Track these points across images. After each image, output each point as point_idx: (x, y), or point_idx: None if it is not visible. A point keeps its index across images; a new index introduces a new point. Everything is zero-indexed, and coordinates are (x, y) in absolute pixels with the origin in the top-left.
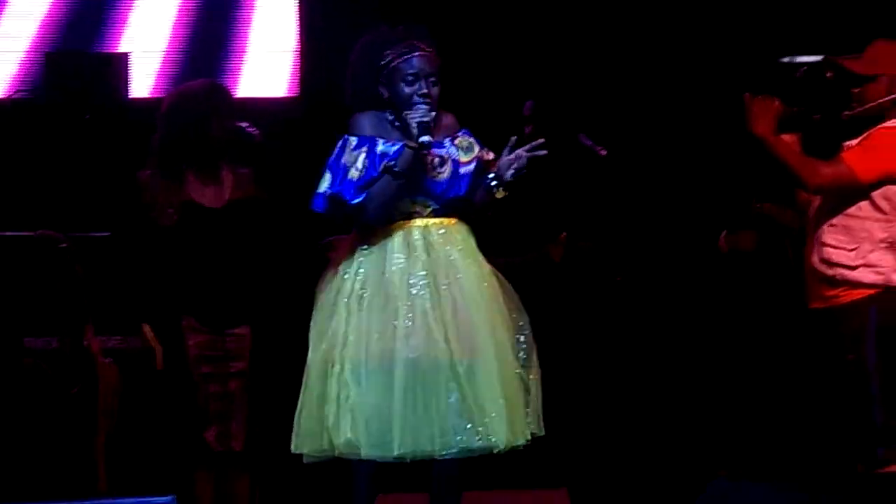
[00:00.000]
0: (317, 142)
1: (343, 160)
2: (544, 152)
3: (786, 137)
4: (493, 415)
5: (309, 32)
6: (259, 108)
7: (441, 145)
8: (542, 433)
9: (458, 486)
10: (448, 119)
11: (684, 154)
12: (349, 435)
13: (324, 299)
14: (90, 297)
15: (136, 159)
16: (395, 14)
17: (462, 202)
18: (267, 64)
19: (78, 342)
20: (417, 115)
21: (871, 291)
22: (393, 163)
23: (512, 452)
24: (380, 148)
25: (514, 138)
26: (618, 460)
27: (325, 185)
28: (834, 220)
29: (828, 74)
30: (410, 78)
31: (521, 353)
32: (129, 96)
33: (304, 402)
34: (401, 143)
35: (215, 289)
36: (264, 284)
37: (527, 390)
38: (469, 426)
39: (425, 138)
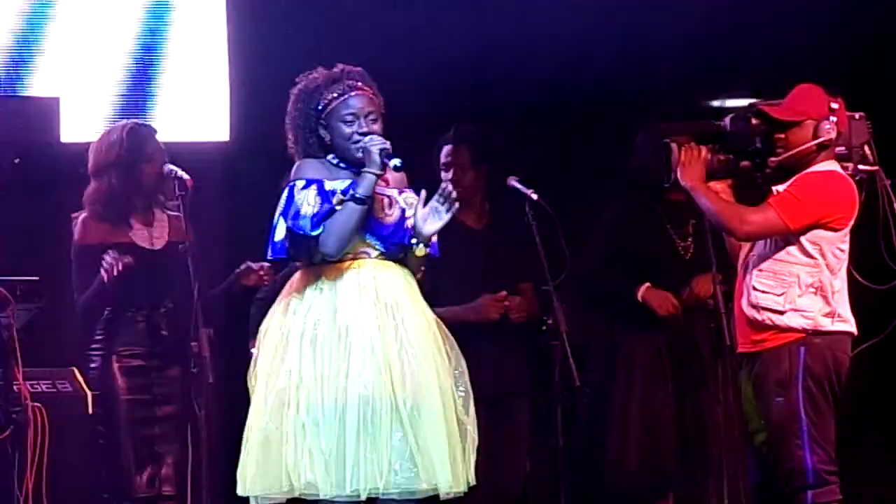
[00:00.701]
0: (248, 186)
1: (294, 200)
2: (455, 199)
3: (715, 185)
4: (437, 458)
5: (240, 76)
6: (191, 151)
7: (389, 192)
8: (474, 483)
9: None
10: (399, 174)
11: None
12: (309, 477)
13: (272, 339)
14: (19, 341)
15: (67, 203)
16: (327, 57)
17: (404, 251)
18: (199, 108)
19: (7, 386)
20: (376, 143)
21: (799, 336)
22: (353, 191)
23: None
24: (328, 186)
25: (423, 192)
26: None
27: (280, 230)
28: (763, 265)
29: (753, 121)
30: (349, 118)
31: (460, 402)
32: (60, 140)
33: (252, 443)
34: (351, 181)
35: (150, 330)
36: (194, 327)
37: (465, 438)
38: (412, 467)
39: (396, 161)
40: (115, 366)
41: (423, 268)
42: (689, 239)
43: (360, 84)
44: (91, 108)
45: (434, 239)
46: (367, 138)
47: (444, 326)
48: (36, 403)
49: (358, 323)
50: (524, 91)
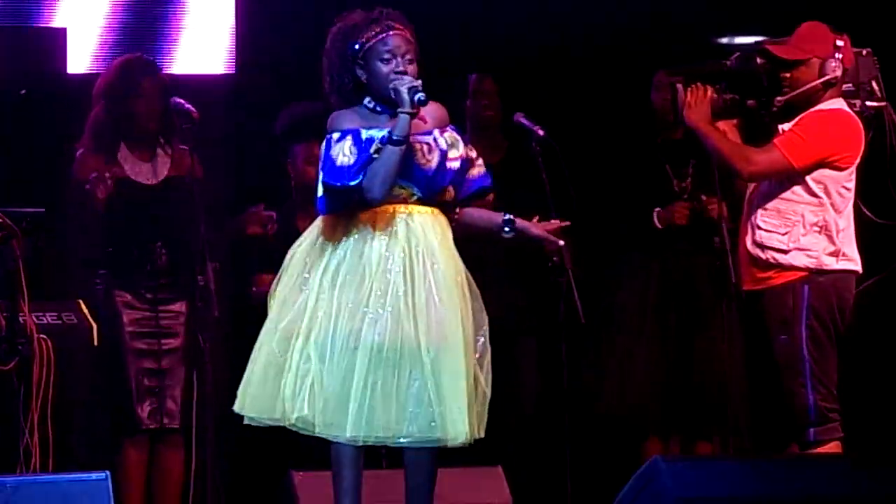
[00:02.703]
0: (253, 119)
1: (329, 154)
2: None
3: (721, 125)
4: (456, 408)
5: (246, 8)
6: (196, 84)
7: (429, 133)
8: (482, 436)
9: (433, 474)
10: (439, 111)
11: (618, 136)
12: (305, 411)
13: (294, 270)
14: (25, 273)
15: (73, 135)
16: None
17: (443, 194)
18: (204, 40)
19: (13, 318)
20: (405, 81)
21: (803, 274)
22: (390, 134)
23: None
24: (365, 134)
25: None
26: (553, 438)
27: (320, 185)
28: (767, 204)
29: (758, 60)
30: (387, 56)
31: (477, 354)
32: (67, 71)
33: (257, 365)
34: (387, 129)
35: (150, 265)
36: (199, 261)
37: (480, 391)
38: (428, 416)
39: (421, 95)
40: (118, 300)
41: (456, 213)
42: (688, 179)
43: (397, 24)
44: (98, 40)
45: (480, 171)
46: (394, 78)
47: (470, 277)
48: (42, 335)
49: (382, 268)
50: (534, 34)
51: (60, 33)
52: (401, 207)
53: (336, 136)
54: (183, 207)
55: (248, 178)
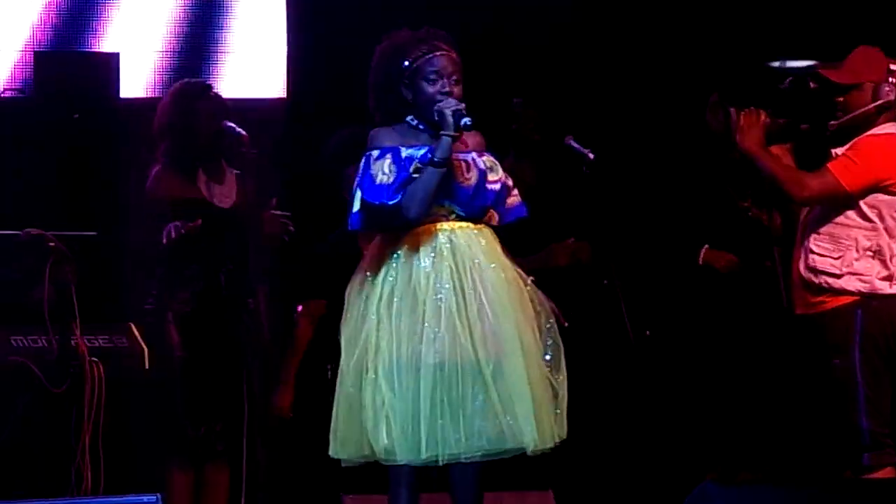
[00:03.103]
0: (304, 144)
1: (369, 172)
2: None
3: (775, 149)
4: (522, 416)
5: (298, 33)
6: (248, 109)
7: (468, 153)
8: (565, 437)
9: (479, 487)
10: (478, 137)
11: (672, 158)
12: (385, 441)
13: (354, 306)
14: (78, 296)
15: (125, 158)
16: (387, 16)
17: (485, 215)
18: (256, 65)
19: (66, 341)
20: (451, 104)
21: (856, 298)
22: (431, 156)
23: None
24: (405, 153)
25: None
26: (604, 463)
27: (356, 202)
28: (820, 229)
29: (812, 85)
30: (433, 77)
31: (548, 356)
32: (119, 96)
33: (340, 408)
34: (428, 147)
35: (205, 289)
36: (251, 284)
37: (555, 393)
38: (496, 428)
39: (467, 119)
40: (172, 322)
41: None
42: (749, 199)
43: (444, 45)
44: (149, 65)
45: (517, 201)
46: (440, 101)
47: (528, 279)
48: (93, 358)
49: (433, 287)
50: (584, 59)
51: (113, 58)
52: (443, 225)
53: (375, 153)
54: (242, 231)
55: (298, 203)
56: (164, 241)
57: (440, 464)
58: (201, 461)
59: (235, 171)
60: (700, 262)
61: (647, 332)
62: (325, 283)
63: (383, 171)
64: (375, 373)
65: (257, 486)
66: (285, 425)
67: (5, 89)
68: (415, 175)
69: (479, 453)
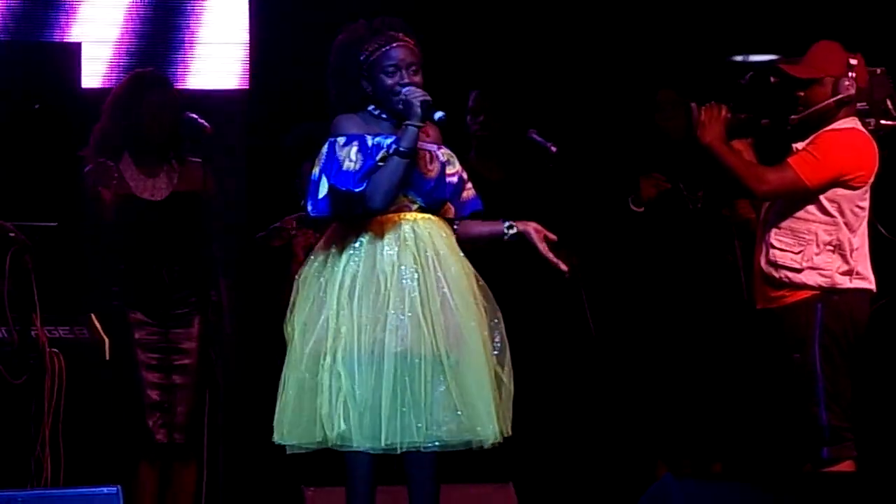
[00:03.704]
0: (266, 135)
1: (335, 157)
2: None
3: (736, 144)
4: (482, 409)
5: (260, 24)
6: (210, 100)
7: (432, 145)
8: (510, 434)
9: (436, 480)
10: (434, 129)
11: (629, 152)
12: (342, 427)
13: (310, 290)
14: (38, 287)
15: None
16: (350, 5)
17: (443, 208)
18: (218, 56)
19: (26, 332)
20: (417, 94)
21: (817, 293)
22: (397, 145)
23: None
24: (370, 141)
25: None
26: (565, 456)
27: (322, 188)
28: (781, 223)
29: (772, 80)
30: (391, 69)
31: (496, 352)
32: (81, 86)
33: (289, 393)
34: (394, 137)
35: (158, 282)
36: (209, 277)
37: (500, 389)
38: (456, 419)
39: (440, 114)
40: (130, 316)
41: (455, 226)
42: (700, 192)
43: (401, 35)
44: (112, 55)
45: (472, 194)
46: (406, 90)
47: (480, 278)
48: (54, 349)
49: (397, 276)
50: (545, 52)
51: (75, 48)
52: (406, 216)
53: (341, 140)
54: (192, 223)
55: (259, 193)
56: (104, 202)
57: (398, 452)
58: (166, 455)
59: (193, 160)
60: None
61: (593, 334)
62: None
63: (350, 157)
64: (334, 358)
65: (218, 478)
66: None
67: None
68: (380, 164)
69: (438, 443)
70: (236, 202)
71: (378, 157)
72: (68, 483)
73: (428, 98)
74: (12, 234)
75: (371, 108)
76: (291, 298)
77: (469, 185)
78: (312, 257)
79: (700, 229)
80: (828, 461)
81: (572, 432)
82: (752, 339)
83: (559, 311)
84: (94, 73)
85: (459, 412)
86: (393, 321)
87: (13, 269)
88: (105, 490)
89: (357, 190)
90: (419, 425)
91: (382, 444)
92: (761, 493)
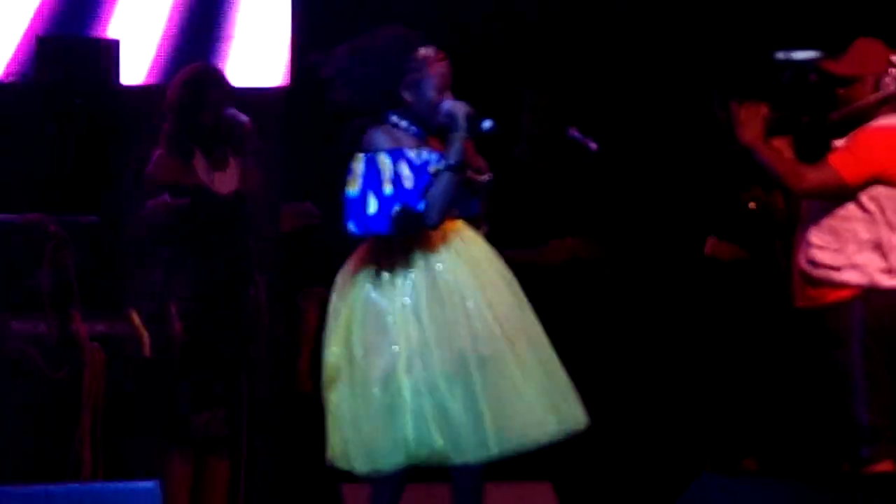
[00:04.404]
0: (306, 132)
1: (388, 174)
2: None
3: (776, 142)
4: (568, 399)
5: (302, 20)
6: (249, 97)
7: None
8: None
9: (480, 481)
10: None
11: (676, 149)
12: (441, 443)
13: (365, 314)
14: (78, 281)
15: (126, 145)
16: (390, 7)
17: (468, 212)
18: (258, 53)
19: (65, 327)
20: (461, 107)
21: (856, 292)
22: (447, 160)
23: None
24: (415, 156)
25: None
26: (603, 455)
27: (372, 204)
28: (820, 221)
29: (812, 77)
30: (440, 83)
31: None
32: (119, 82)
33: (360, 420)
34: (438, 153)
35: (206, 276)
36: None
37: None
38: (555, 412)
39: (488, 123)
40: (173, 309)
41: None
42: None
43: (441, 52)
44: (151, 51)
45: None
46: (448, 104)
47: (516, 282)
48: (93, 344)
49: (458, 287)
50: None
51: (113, 45)
52: (452, 226)
53: (383, 156)
54: (242, 219)
55: (297, 190)
56: (153, 219)
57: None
58: (202, 451)
59: (238, 159)
60: (707, 253)
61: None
62: (327, 271)
63: (404, 174)
64: (412, 377)
65: (256, 474)
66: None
67: (7, 74)
68: (445, 171)
69: (546, 438)
70: (273, 200)
71: (431, 171)
72: (107, 477)
73: (472, 111)
74: (52, 229)
75: (394, 118)
76: (330, 325)
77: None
78: (361, 278)
79: (744, 226)
80: (867, 460)
81: (613, 431)
82: (791, 337)
83: (599, 310)
84: (133, 70)
85: (553, 406)
86: (467, 330)
87: (53, 264)
88: (144, 485)
89: (419, 208)
90: (523, 425)
91: (491, 452)
92: (800, 491)
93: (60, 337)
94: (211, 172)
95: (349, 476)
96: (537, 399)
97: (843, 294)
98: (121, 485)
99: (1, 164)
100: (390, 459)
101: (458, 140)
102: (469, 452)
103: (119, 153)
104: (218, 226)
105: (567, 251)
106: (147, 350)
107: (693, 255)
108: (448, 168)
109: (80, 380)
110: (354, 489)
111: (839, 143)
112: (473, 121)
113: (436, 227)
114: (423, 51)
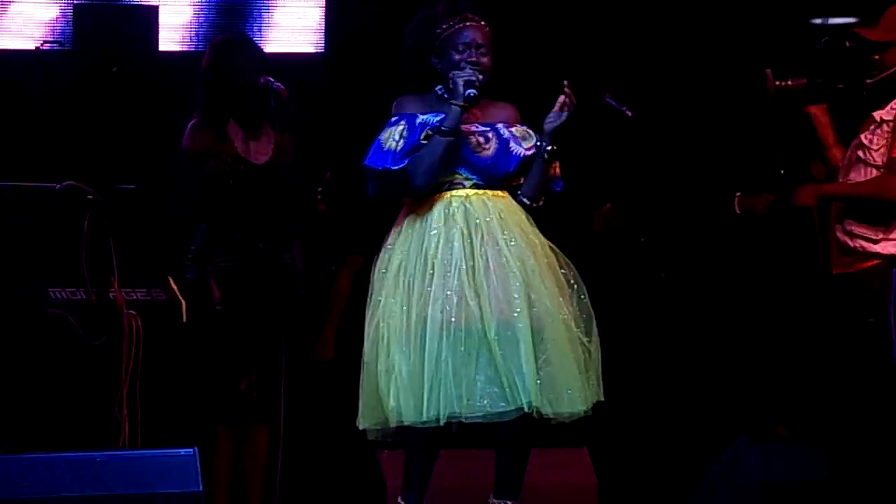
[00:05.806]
0: (342, 98)
1: (380, 137)
2: (573, 101)
3: (813, 108)
4: (525, 378)
5: None
6: (286, 64)
7: (489, 126)
8: (601, 399)
9: (526, 446)
10: (509, 109)
11: (707, 116)
12: (392, 404)
13: (374, 275)
14: (116, 249)
15: (164, 112)
16: None
17: (510, 180)
18: (294, 18)
19: (103, 294)
20: (464, 74)
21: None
22: (439, 124)
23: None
24: (419, 119)
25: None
26: (639, 420)
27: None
28: None
29: (847, 44)
30: (461, 47)
31: (581, 322)
32: (157, 49)
33: (363, 377)
34: (442, 114)
35: (243, 244)
36: (286, 239)
37: (587, 357)
38: (496, 389)
39: (471, 91)
40: (211, 276)
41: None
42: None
43: (475, 16)
44: (189, 18)
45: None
46: (454, 72)
47: (556, 250)
48: (131, 311)
49: (443, 250)
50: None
51: (152, 11)
52: (457, 192)
53: (393, 119)
54: (278, 187)
55: (332, 159)
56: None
57: (441, 424)
58: (245, 418)
59: (274, 127)
60: (738, 211)
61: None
62: (362, 239)
63: (394, 136)
64: (387, 340)
65: (293, 441)
66: (322, 381)
67: (45, 42)
68: (424, 142)
69: (481, 414)
70: (309, 168)
71: (422, 136)
72: (146, 444)
73: (472, 78)
74: (90, 197)
75: (439, 88)
76: (379, 282)
77: (556, 163)
78: (383, 247)
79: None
80: None
81: (648, 397)
82: (827, 303)
83: (634, 277)
84: (171, 36)
85: (501, 382)
86: (437, 295)
87: (91, 232)
88: (182, 452)
89: (395, 168)
90: (459, 395)
91: (424, 416)
92: (835, 457)
93: (99, 304)
94: (246, 141)
95: (386, 442)
96: (483, 373)
97: (880, 261)
98: (159, 451)
99: (39, 132)
100: (382, 419)
101: (453, 107)
102: (414, 413)
103: (157, 120)
104: (254, 194)
105: (602, 220)
106: (185, 317)
107: (728, 217)
108: (438, 132)
109: (118, 347)
110: (392, 455)
111: (878, 114)
112: (467, 89)
113: (421, 188)
114: (450, 18)
